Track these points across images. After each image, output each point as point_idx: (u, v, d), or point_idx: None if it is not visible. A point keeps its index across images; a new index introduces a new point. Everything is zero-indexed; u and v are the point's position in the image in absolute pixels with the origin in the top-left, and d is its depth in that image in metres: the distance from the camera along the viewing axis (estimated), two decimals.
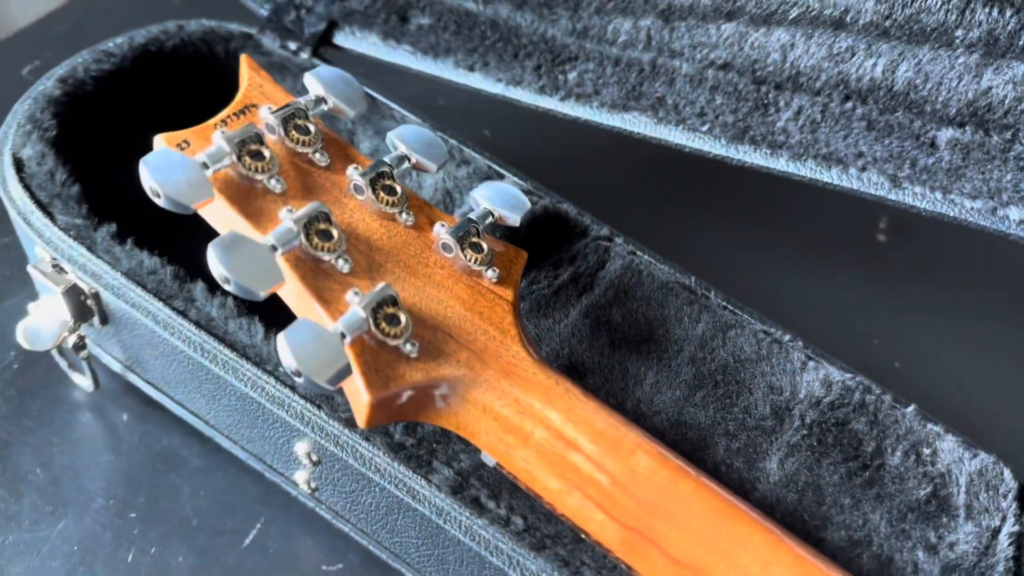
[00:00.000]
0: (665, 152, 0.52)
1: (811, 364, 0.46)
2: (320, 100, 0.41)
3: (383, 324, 0.36)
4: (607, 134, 0.53)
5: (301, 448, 0.43)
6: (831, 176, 0.49)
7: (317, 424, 0.42)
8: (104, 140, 0.52)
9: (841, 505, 0.42)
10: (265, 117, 0.39)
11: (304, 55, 0.56)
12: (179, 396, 0.48)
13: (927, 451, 0.44)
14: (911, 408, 0.45)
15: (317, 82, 0.41)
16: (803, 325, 0.50)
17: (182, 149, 0.38)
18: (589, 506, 0.36)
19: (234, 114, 0.40)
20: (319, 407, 0.42)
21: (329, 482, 0.44)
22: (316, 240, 0.37)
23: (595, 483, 0.36)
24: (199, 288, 0.44)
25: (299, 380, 0.34)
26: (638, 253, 0.49)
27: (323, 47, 0.57)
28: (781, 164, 0.50)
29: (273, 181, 0.38)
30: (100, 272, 0.45)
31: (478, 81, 0.55)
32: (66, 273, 0.46)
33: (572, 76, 0.53)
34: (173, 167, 0.36)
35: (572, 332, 0.46)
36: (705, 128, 0.51)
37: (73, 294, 0.45)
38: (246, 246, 0.35)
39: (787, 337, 0.47)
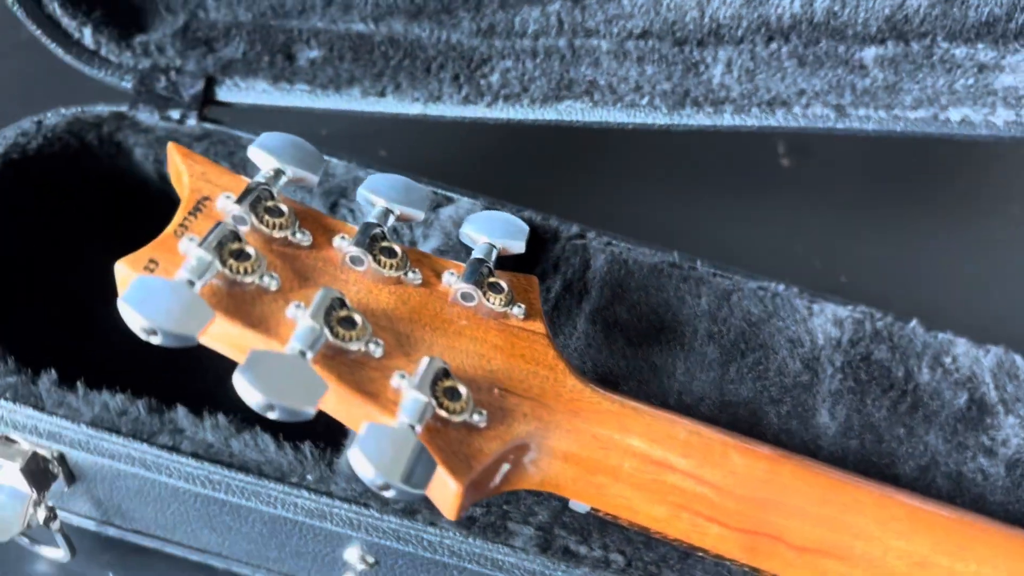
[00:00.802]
0: (564, 131, 0.50)
1: (815, 307, 0.46)
2: (278, 173, 0.36)
3: (445, 402, 0.32)
4: (513, 129, 0.50)
5: (352, 554, 0.39)
6: (778, 119, 0.49)
7: (370, 525, 0.38)
8: None
9: (899, 437, 0.42)
10: (228, 209, 0.34)
11: (192, 121, 0.50)
12: (180, 537, 0.42)
13: (948, 360, 0.45)
14: (914, 322, 0.46)
15: (267, 154, 0.36)
16: (758, 267, 0.50)
17: (151, 271, 0.32)
18: (701, 523, 0.35)
19: (189, 214, 0.35)
20: (366, 506, 0.38)
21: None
22: (341, 331, 0.32)
23: (700, 497, 0.35)
24: (181, 414, 0.39)
25: (389, 493, 0.30)
26: (613, 242, 0.48)
27: (208, 107, 0.51)
28: (727, 120, 0.49)
29: (266, 279, 0.33)
30: (59, 430, 0.38)
31: (392, 106, 0.51)
32: (16, 443, 0.38)
33: (495, 79, 0.50)
34: (160, 296, 0.30)
35: (587, 343, 0.44)
36: (644, 101, 0.49)
37: (32, 464, 0.38)
38: (275, 362, 0.30)
39: (781, 287, 0.47)
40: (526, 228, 0.39)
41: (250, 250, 0.33)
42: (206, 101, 0.51)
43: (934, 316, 0.47)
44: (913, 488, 0.41)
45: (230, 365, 0.31)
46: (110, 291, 0.33)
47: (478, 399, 0.34)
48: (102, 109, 0.49)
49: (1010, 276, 0.65)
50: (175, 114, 0.50)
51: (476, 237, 0.38)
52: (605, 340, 0.44)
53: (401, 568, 0.39)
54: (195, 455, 0.38)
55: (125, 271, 0.32)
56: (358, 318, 0.33)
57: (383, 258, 0.35)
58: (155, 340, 0.30)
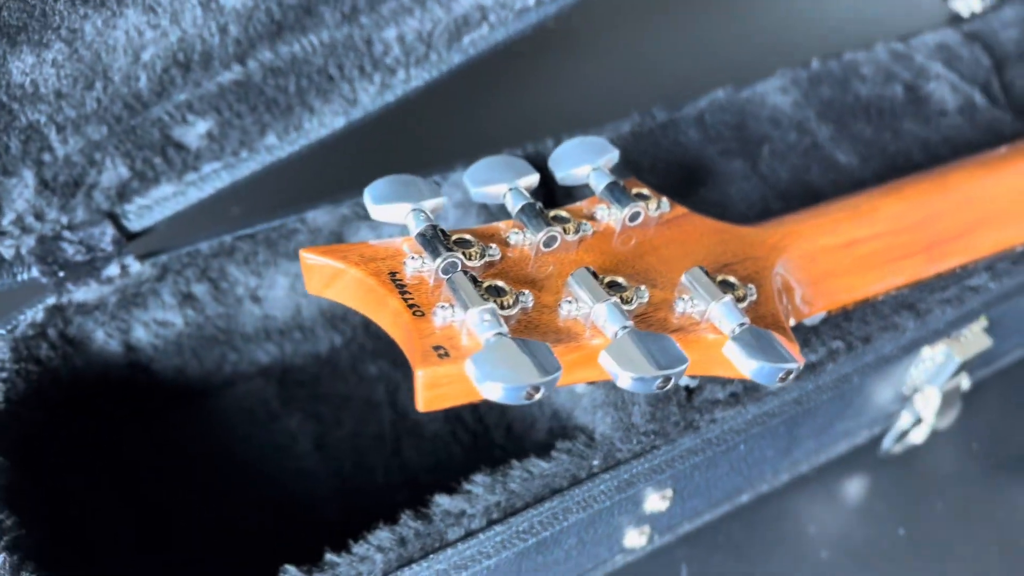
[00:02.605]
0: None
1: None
2: (416, 211, 0.33)
3: (739, 292, 0.34)
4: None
5: (651, 503, 0.39)
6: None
7: (664, 461, 0.38)
8: None
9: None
10: (435, 265, 0.31)
11: (135, 265, 0.42)
12: None
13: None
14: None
15: (391, 203, 0.33)
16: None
17: (447, 354, 0.29)
18: (898, 264, 0.40)
19: (402, 294, 0.31)
20: (655, 447, 0.38)
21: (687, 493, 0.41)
22: (617, 294, 0.32)
23: (887, 248, 0.40)
24: None
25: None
26: None
27: (133, 242, 0.43)
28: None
29: (523, 298, 0.31)
30: None
31: (316, 131, 0.46)
32: None
33: (395, 50, 0.47)
34: (501, 360, 0.28)
35: None
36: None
37: None
38: (641, 345, 0.29)
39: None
40: (603, 140, 0.39)
41: (498, 283, 0.31)
42: (128, 238, 0.42)
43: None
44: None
45: None
46: None
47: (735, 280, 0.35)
48: (26, 316, 0.39)
49: None
50: (113, 269, 0.41)
51: (579, 170, 0.38)
52: None
53: (696, 485, 0.40)
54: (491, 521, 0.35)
55: (428, 372, 0.28)
56: (618, 279, 0.33)
57: (559, 227, 0.34)
58: (537, 397, 0.28)
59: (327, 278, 0.32)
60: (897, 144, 0.50)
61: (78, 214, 0.42)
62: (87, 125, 0.42)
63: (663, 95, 0.53)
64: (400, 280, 0.31)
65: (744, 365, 0.30)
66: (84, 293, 0.41)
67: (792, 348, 0.32)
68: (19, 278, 0.40)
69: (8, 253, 0.40)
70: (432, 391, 0.28)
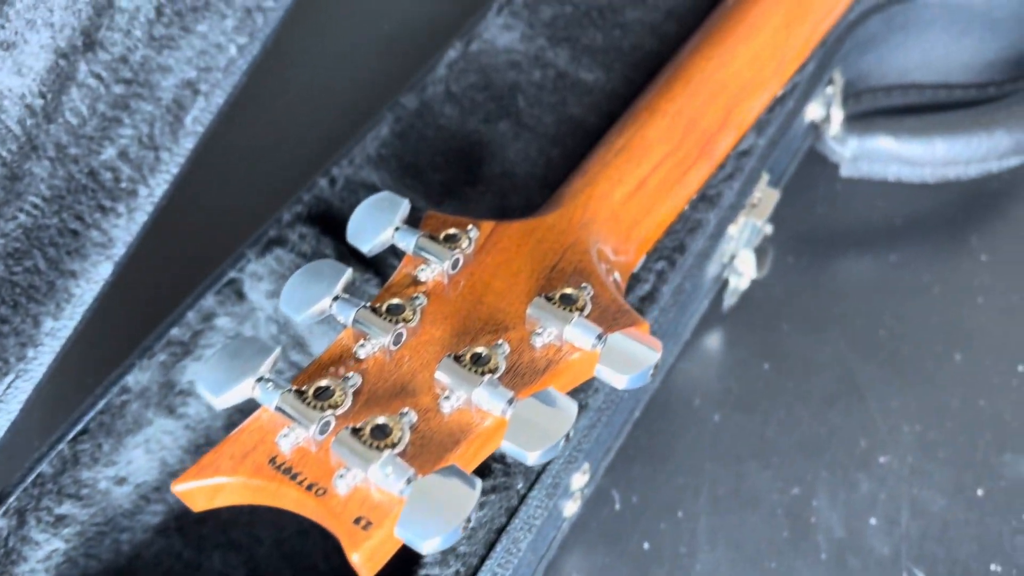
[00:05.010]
0: None
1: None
2: (263, 381, 0.32)
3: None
4: None
5: (576, 480, 0.42)
6: None
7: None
8: None
9: None
10: (311, 434, 0.31)
11: None
12: None
13: None
14: None
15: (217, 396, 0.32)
16: None
17: (370, 525, 0.29)
18: (689, 173, 0.43)
19: (297, 481, 0.30)
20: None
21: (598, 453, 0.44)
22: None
23: (683, 159, 0.42)
24: None
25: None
26: None
27: None
28: None
29: (410, 415, 0.32)
30: None
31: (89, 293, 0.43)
32: None
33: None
34: (432, 506, 0.28)
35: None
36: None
37: None
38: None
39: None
40: (388, 193, 0.39)
41: (378, 420, 0.31)
42: None
43: None
44: None
45: None
46: None
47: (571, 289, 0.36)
48: None
49: None
50: None
51: (383, 236, 0.37)
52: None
53: (602, 442, 0.44)
54: None
55: (363, 551, 0.29)
56: (477, 349, 0.33)
57: (400, 319, 0.34)
58: (472, 521, 0.29)
59: (209, 495, 0.31)
60: (629, 39, 0.52)
61: None
62: None
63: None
64: (283, 464, 0.31)
65: (618, 382, 0.32)
66: None
67: (642, 332, 0.35)
68: None
69: None
70: (371, 563, 0.29)
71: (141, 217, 0.45)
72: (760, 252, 0.50)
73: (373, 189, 0.47)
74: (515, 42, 0.52)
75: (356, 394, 0.32)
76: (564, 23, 0.52)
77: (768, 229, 0.50)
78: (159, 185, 0.45)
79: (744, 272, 0.50)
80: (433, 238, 0.37)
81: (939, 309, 0.56)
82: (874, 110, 0.62)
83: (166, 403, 0.43)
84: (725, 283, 0.52)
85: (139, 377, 0.42)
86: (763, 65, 0.45)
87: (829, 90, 0.53)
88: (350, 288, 0.35)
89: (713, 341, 0.55)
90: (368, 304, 0.34)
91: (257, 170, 0.60)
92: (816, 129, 0.54)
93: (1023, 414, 0.52)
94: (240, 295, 0.44)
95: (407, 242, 0.37)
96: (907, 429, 0.52)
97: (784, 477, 0.50)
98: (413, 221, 0.37)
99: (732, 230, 0.47)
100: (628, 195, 0.41)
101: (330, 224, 0.46)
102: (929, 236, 0.59)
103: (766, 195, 0.48)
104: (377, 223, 0.37)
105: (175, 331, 0.43)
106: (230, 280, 0.44)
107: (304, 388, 0.32)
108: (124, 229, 0.44)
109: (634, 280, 0.44)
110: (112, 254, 0.43)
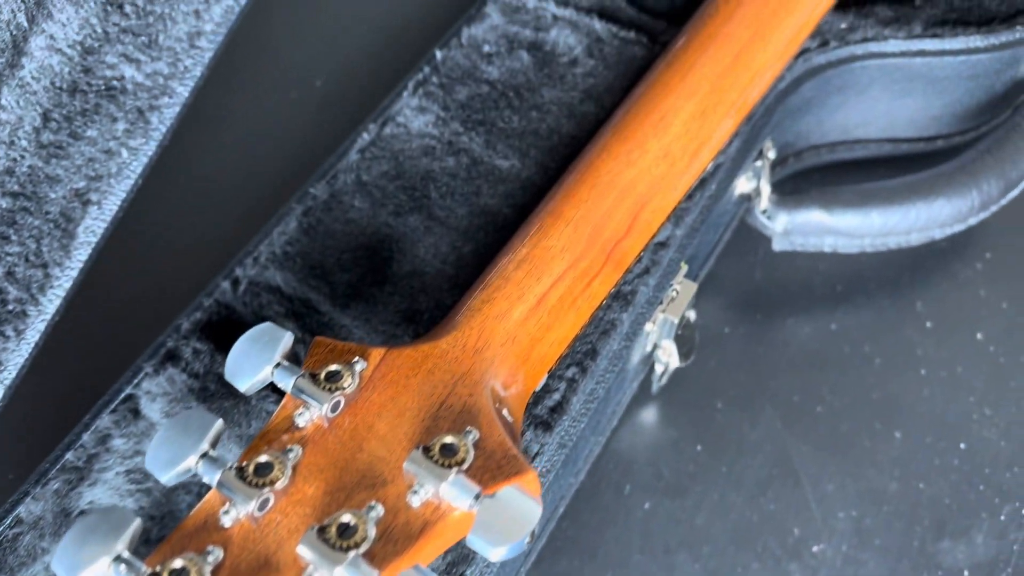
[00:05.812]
0: None
1: None
2: (117, 562, 0.31)
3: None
4: None
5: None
6: None
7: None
8: None
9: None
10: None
11: None
12: None
13: None
14: None
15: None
16: None
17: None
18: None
19: None
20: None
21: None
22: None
23: (577, 280, 0.41)
24: None
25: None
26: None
27: None
28: None
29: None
30: None
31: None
32: None
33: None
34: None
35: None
36: None
37: None
38: None
39: None
40: (270, 325, 0.37)
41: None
42: None
43: None
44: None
45: None
46: None
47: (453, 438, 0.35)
48: None
49: None
50: None
51: (262, 375, 0.36)
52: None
53: None
54: None
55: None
56: (345, 518, 0.32)
57: (267, 480, 0.33)
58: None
59: None
60: (546, 121, 0.50)
61: None
62: None
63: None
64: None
65: (493, 554, 0.31)
66: None
67: (525, 481, 0.33)
68: None
69: None
70: None
71: (33, 336, 0.43)
72: (683, 340, 0.48)
73: (276, 292, 0.46)
74: (429, 125, 0.50)
75: (215, 573, 0.31)
76: (480, 104, 0.50)
77: (692, 315, 0.49)
78: (50, 302, 0.43)
79: (668, 362, 0.49)
80: (314, 377, 0.35)
81: (880, 383, 0.54)
82: (818, 166, 0.60)
83: (61, 532, 0.42)
84: (653, 365, 0.51)
85: (32, 508, 0.41)
86: (675, 160, 0.43)
87: (759, 163, 0.51)
88: (218, 439, 0.34)
89: (645, 420, 0.53)
90: (234, 465, 0.33)
91: (167, 255, 0.58)
92: (748, 200, 0.52)
93: (962, 497, 0.51)
94: (136, 413, 0.43)
95: (286, 382, 0.35)
96: (842, 515, 0.50)
97: (713, 570, 0.49)
98: (314, 331, 0.36)
99: (649, 327, 0.46)
100: (527, 313, 0.39)
101: (229, 333, 0.44)
102: (872, 301, 0.57)
103: (684, 288, 0.46)
104: (256, 360, 0.36)
105: (69, 455, 0.42)
106: (126, 397, 0.43)
107: (158, 570, 0.30)
108: (14, 352, 0.42)
109: (543, 390, 0.42)
110: (2, 379, 0.42)
